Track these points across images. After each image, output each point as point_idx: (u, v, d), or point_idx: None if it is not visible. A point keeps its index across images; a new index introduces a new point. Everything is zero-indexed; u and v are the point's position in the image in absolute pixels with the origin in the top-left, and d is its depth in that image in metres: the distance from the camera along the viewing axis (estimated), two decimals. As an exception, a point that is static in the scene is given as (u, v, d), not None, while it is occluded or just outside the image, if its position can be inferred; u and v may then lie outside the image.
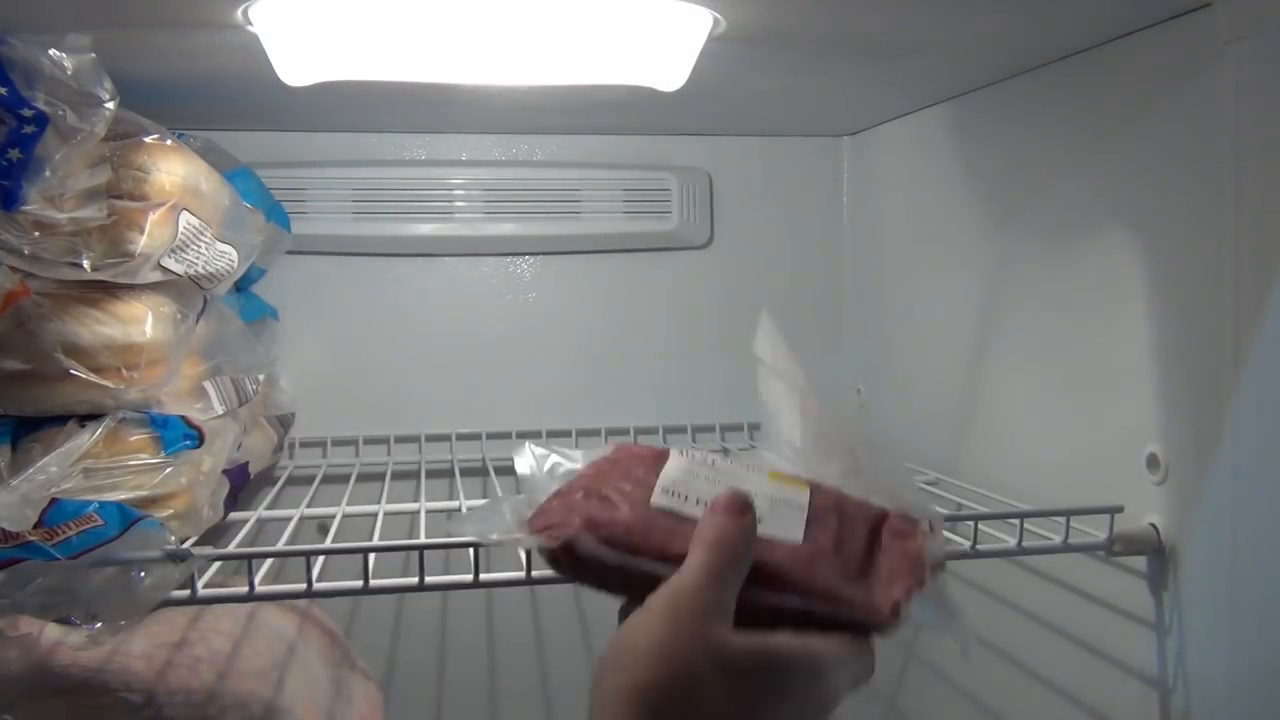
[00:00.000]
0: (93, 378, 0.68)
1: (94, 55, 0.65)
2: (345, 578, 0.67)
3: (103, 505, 0.63)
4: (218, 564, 0.68)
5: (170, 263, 0.72)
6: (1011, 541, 0.73)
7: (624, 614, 0.55)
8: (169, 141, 0.73)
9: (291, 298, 1.08)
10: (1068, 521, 0.73)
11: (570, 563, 0.54)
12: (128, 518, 0.63)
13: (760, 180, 1.21)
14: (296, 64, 0.70)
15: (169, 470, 0.70)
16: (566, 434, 1.15)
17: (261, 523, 0.82)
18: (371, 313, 1.14)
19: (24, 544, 0.60)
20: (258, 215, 0.93)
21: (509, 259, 1.17)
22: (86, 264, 0.67)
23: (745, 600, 0.49)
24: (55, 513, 0.62)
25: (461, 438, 1.13)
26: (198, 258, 0.75)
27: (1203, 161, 0.67)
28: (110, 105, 0.66)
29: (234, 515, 0.82)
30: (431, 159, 1.15)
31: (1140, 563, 0.73)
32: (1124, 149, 0.75)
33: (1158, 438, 0.72)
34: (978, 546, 0.73)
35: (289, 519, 0.81)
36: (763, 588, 0.50)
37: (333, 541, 0.75)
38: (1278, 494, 0.63)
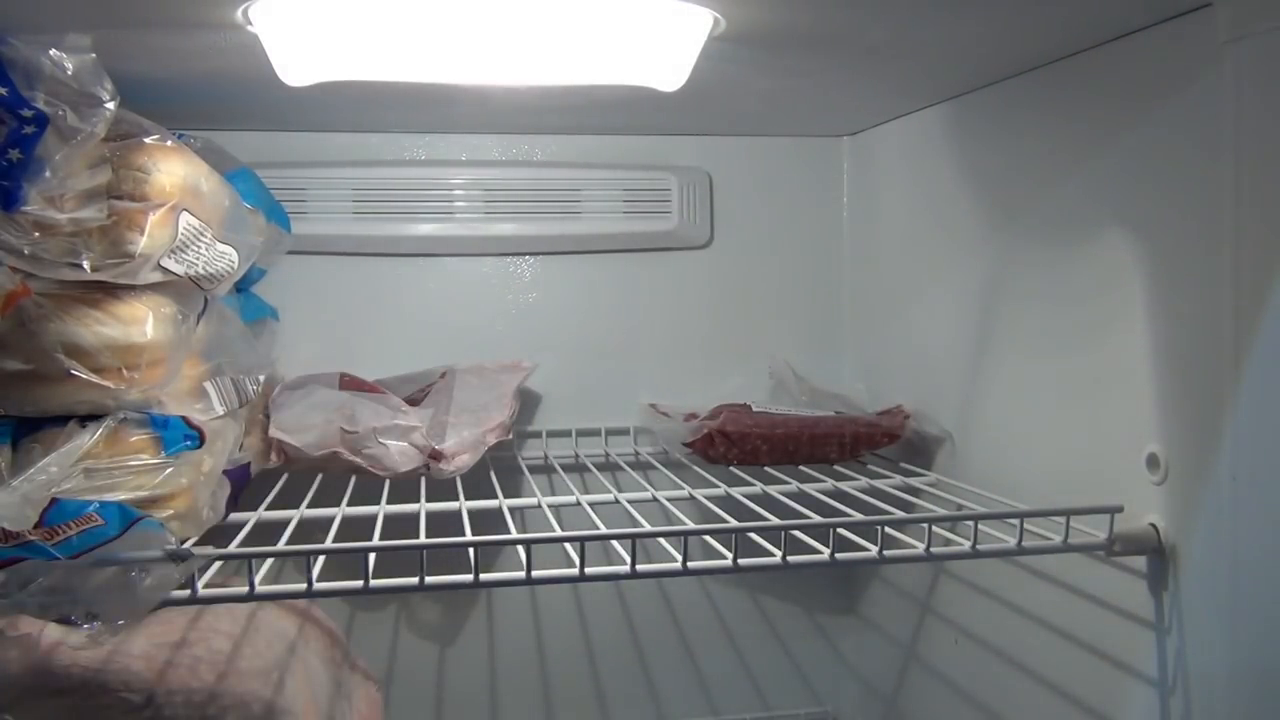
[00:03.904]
0: (93, 378, 0.68)
1: (94, 55, 0.65)
2: (345, 578, 0.67)
3: (103, 505, 0.63)
4: (218, 564, 0.68)
5: (170, 263, 0.72)
6: (1011, 541, 0.73)
7: None
8: (169, 142, 0.73)
9: (291, 298, 1.09)
10: (1067, 521, 0.73)
11: (724, 439, 1.00)
12: (128, 518, 0.63)
13: (760, 180, 1.21)
14: (296, 64, 0.70)
15: (169, 471, 0.70)
16: (566, 434, 1.15)
17: (262, 523, 0.82)
18: (371, 313, 1.14)
19: (24, 543, 0.60)
20: (258, 216, 0.93)
21: (509, 259, 1.17)
22: (86, 265, 0.67)
23: None
24: (56, 513, 0.62)
25: (461, 438, 1.13)
26: (198, 258, 0.75)
27: (1203, 161, 0.67)
28: (110, 106, 0.66)
29: (234, 515, 0.82)
30: (431, 159, 1.15)
31: (1140, 563, 0.73)
32: (1124, 149, 0.75)
33: (1158, 438, 0.72)
34: (978, 546, 0.73)
35: (289, 519, 0.81)
36: None
37: (333, 541, 0.75)
38: (1277, 494, 0.63)
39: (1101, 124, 0.78)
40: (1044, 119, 0.85)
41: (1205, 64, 0.66)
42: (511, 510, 0.87)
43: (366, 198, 1.12)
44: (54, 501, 0.63)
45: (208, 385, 0.81)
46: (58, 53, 0.63)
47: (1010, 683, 0.91)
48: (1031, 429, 0.87)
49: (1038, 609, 0.86)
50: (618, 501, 0.91)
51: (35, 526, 0.61)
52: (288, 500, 0.88)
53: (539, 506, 0.87)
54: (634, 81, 0.74)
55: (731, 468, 1.00)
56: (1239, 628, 0.65)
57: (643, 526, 0.75)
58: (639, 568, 0.70)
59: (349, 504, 0.88)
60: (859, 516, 0.76)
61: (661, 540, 0.73)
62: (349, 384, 1.03)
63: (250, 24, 0.67)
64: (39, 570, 0.61)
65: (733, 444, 1.00)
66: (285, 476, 0.97)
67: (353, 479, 0.94)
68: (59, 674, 0.70)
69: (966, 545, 0.73)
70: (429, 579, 0.67)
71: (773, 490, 0.91)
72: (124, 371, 0.69)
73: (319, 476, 0.96)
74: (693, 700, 1.22)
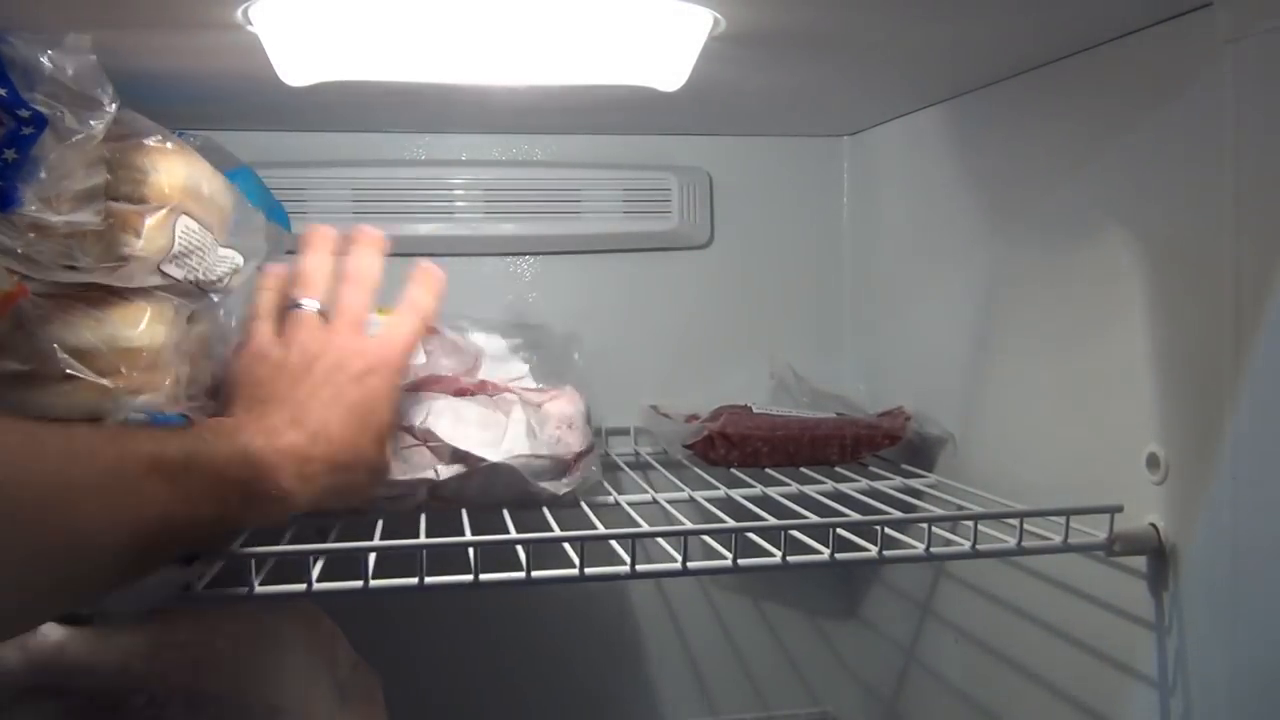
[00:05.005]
0: (93, 379, 0.68)
1: (94, 57, 0.65)
2: (345, 578, 0.67)
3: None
4: (219, 564, 0.68)
5: (170, 268, 0.72)
6: (1011, 541, 0.73)
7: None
8: (170, 144, 0.73)
9: (291, 298, 1.08)
10: (1067, 521, 0.73)
11: (724, 441, 1.00)
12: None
13: (760, 180, 1.21)
14: (296, 64, 0.70)
15: (169, 471, 0.70)
16: (566, 434, 1.15)
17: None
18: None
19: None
20: (259, 215, 0.93)
21: (509, 259, 1.17)
22: (82, 267, 0.67)
23: None
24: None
25: (461, 438, 1.13)
26: (199, 263, 0.75)
27: (1203, 161, 0.67)
28: (110, 109, 0.65)
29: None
30: (431, 159, 1.15)
31: (1140, 563, 0.73)
32: (1124, 149, 0.75)
33: (1158, 438, 0.72)
34: (977, 546, 0.73)
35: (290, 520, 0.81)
36: None
37: (333, 542, 0.75)
38: (1278, 494, 0.63)
39: (1101, 124, 0.78)
40: (1044, 119, 0.85)
41: (1205, 64, 0.66)
42: (511, 511, 0.87)
43: (366, 198, 1.12)
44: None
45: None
46: (57, 53, 0.63)
47: (1010, 683, 0.91)
48: (1032, 429, 0.87)
49: (1037, 609, 0.86)
50: (617, 504, 0.91)
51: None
52: (288, 500, 0.88)
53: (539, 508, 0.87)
54: (634, 81, 0.74)
55: (732, 469, 1.00)
56: (1239, 628, 0.65)
57: (642, 527, 0.75)
58: (639, 568, 0.70)
59: (349, 504, 0.87)
60: (858, 517, 0.76)
61: (661, 540, 0.73)
62: None
63: (250, 24, 0.67)
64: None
65: (733, 446, 1.00)
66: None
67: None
68: (59, 674, 0.70)
69: (966, 545, 0.73)
70: (429, 579, 0.68)
71: (773, 492, 0.91)
72: (123, 371, 0.69)
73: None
74: (691, 700, 1.22)
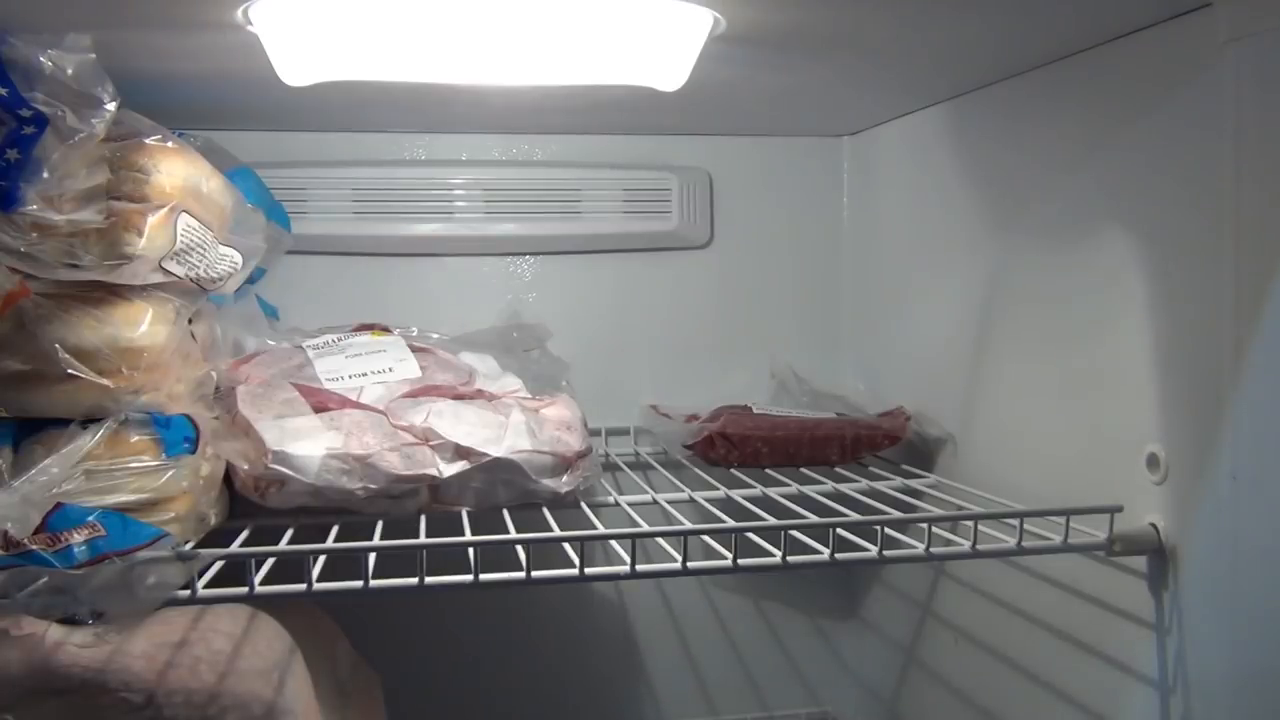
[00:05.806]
0: (94, 378, 0.68)
1: (94, 56, 0.65)
2: (345, 578, 0.67)
3: (105, 514, 0.63)
4: (219, 564, 0.68)
5: (172, 265, 0.72)
6: (1011, 542, 0.73)
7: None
8: (170, 143, 0.73)
9: (291, 298, 1.08)
10: (1067, 521, 0.73)
11: (724, 441, 1.00)
12: (128, 526, 0.63)
13: (760, 180, 1.21)
14: (296, 64, 0.70)
15: (170, 473, 0.70)
16: (567, 434, 1.15)
17: (263, 524, 0.82)
18: (372, 313, 1.13)
19: (25, 552, 0.60)
20: (258, 215, 0.93)
21: (509, 259, 1.17)
22: (84, 266, 0.67)
23: None
24: (59, 517, 0.62)
25: (462, 438, 1.13)
26: (200, 260, 0.75)
27: (1203, 161, 0.67)
28: (110, 107, 0.66)
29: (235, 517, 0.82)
30: (431, 159, 1.15)
31: (1140, 563, 0.73)
32: (1124, 149, 0.75)
33: (1158, 438, 0.72)
34: (977, 547, 0.73)
35: (290, 520, 0.81)
36: None
37: (333, 542, 0.75)
38: (1278, 494, 0.63)
39: (1102, 124, 0.78)
40: (1044, 119, 0.85)
41: (1205, 64, 0.66)
42: (511, 512, 0.87)
43: (366, 198, 1.12)
44: (59, 505, 0.63)
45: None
46: (58, 53, 0.63)
47: (1010, 683, 0.91)
48: (1032, 429, 0.87)
49: (1037, 610, 0.86)
50: (617, 505, 0.91)
51: (37, 531, 0.61)
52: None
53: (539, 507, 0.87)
54: (634, 81, 0.74)
55: (732, 470, 1.00)
56: (1239, 628, 0.65)
57: (642, 527, 0.75)
58: (639, 568, 0.70)
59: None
60: (858, 517, 0.76)
61: (661, 540, 0.73)
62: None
63: (250, 24, 0.67)
64: (42, 570, 0.61)
65: (733, 446, 1.00)
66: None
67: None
68: (60, 674, 0.70)
69: (966, 545, 0.73)
70: (429, 579, 0.68)
71: (773, 492, 0.91)
72: (125, 371, 0.69)
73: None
74: (692, 700, 1.22)
